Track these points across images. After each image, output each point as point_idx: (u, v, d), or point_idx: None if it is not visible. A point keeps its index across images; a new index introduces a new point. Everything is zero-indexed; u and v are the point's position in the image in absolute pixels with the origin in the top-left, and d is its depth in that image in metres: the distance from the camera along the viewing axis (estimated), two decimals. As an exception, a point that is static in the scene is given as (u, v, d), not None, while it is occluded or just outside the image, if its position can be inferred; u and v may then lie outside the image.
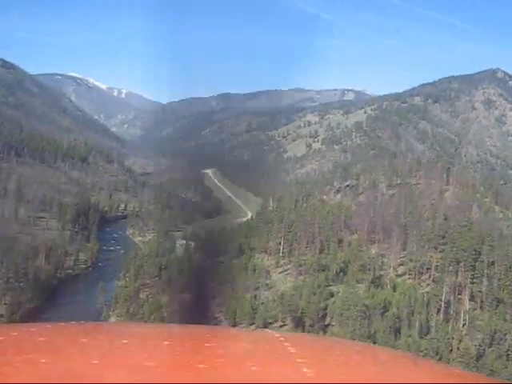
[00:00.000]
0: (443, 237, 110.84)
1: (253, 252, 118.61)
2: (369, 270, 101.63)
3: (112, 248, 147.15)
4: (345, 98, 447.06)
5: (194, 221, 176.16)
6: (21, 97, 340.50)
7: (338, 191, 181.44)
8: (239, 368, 2.41)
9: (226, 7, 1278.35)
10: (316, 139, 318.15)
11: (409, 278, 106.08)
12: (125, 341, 2.83)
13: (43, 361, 2.26)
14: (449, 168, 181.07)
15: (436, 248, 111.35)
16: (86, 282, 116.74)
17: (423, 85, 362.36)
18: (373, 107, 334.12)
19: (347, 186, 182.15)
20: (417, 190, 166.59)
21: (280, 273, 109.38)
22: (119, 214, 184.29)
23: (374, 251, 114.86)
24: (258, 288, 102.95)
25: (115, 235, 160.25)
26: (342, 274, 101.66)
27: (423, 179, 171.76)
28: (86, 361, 2.33)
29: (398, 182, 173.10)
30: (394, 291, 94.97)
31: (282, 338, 2.95)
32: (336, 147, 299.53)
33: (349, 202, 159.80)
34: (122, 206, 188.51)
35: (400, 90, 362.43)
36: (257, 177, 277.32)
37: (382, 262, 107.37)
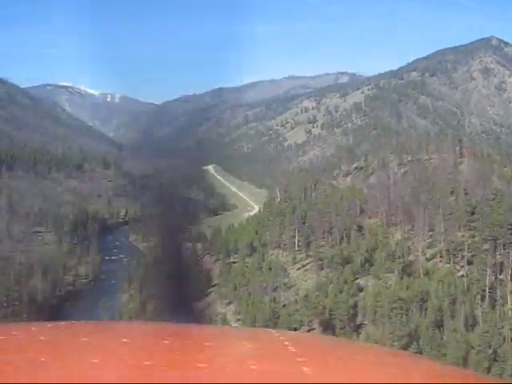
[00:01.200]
0: (472, 213, 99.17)
1: (266, 248, 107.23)
2: (397, 257, 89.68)
3: (115, 257, 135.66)
4: (339, 82, 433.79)
5: (199, 220, 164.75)
6: (12, 110, 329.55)
7: (346, 175, 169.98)
8: (239, 367, 2.38)
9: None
10: (315, 125, 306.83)
11: (440, 261, 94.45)
12: (125, 340, 2.80)
13: (43, 360, 2.25)
14: (460, 140, 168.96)
15: (465, 226, 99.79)
16: (87, 298, 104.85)
17: (418, 60, 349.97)
18: (369, 87, 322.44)
19: (355, 168, 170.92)
20: (430, 165, 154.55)
21: (298, 269, 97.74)
22: (120, 220, 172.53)
23: (397, 235, 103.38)
24: (276, 289, 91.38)
25: (117, 243, 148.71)
26: (367, 264, 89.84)
27: (434, 154, 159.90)
28: (86, 360, 2.30)
29: (409, 159, 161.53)
30: (430, 279, 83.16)
31: (282, 337, 2.94)
32: (337, 131, 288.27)
33: (360, 185, 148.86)
34: (123, 211, 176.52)
35: (394, 68, 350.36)
36: (258, 168, 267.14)
37: (409, 247, 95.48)
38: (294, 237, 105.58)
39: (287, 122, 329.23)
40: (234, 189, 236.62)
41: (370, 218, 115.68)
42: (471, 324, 73.73)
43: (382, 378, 2.50)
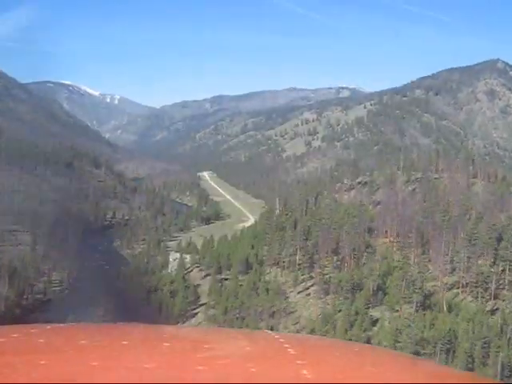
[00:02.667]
0: (499, 239, 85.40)
1: (263, 266, 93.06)
2: (413, 285, 75.47)
3: (95, 264, 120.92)
4: (340, 96, 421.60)
5: (190, 228, 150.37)
6: (7, 103, 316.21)
7: (349, 189, 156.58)
8: (238, 369, 2.36)
9: (216, 10, 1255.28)
10: (315, 137, 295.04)
11: (462, 293, 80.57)
12: (124, 342, 2.79)
13: (43, 362, 2.22)
14: (472, 160, 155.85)
15: (488, 253, 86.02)
16: (56, 310, 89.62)
17: (422, 78, 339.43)
18: (372, 102, 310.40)
19: (359, 182, 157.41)
20: (440, 184, 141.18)
21: (300, 293, 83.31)
22: (107, 222, 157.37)
23: (410, 258, 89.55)
24: (273, 314, 77.09)
25: (100, 248, 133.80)
26: (380, 292, 75.59)
27: (445, 172, 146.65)
28: (86, 362, 2.27)
29: (418, 176, 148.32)
30: (455, 315, 69.02)
31: (281, 339, 2.90)
32: (337, 144, 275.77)
33: (365, 201, 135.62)
34: (110, 213, 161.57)
35: (394, 86, 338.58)
36: (255, 178, 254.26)
37: (426, 274, 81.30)
38: (295, 254, 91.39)
39: (286, 133, 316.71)
40: (228, 197, 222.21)
41: (378, 237, 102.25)
42: (509, 374, 59.61)
43: (381, 379, 2.46)
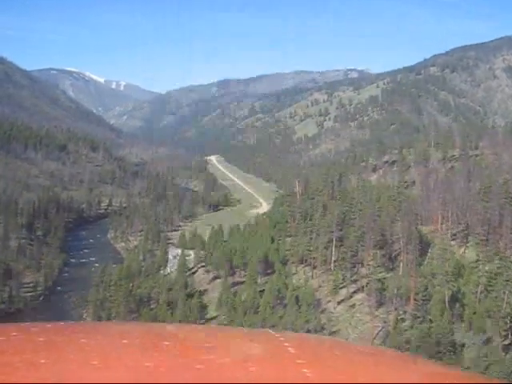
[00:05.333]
0: None
1: (287, 265, 69.83)
2: (495, 296, 51.88)
3: (84, 260, 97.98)
4: (349, 77, 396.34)
5: (196, 216, 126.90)
6: (7, 89, 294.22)
7: (375, 169, 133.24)
8: (238, 368, 2.32)
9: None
10: (327, 117, 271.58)
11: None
12: (124, 341, 2.74)
13: (43, 361, 2.19)
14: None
15: None
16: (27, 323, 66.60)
17: (435, 55, 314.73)
18: (386, 81, 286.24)
19: (386, 162, 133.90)
20: (482, 161, 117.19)
21: (341, 303, 59.40)
22: (102, 211, 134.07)
23: (469, 254, 66.52)
24: (308, 332, 53.83)
25: (91, 241, 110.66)
26: (458, 305, 52.04)
27: (487, 149, 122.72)
28: (86, 361, 2.24)
29: (455, 153, 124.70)
30: None
31: (281, 338, 2.86)
32: (351, 124, 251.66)
33: (396, 181, 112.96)
34: (106, 200, 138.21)
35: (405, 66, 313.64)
36: (265, 160, 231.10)
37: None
38: (329, 248, 68.12)
39: (296, 114, 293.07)
40: (238, 181, 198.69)
41: (423, 225, 78.84)
42: None
43: (381, 378, 2.42)
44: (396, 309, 53.64)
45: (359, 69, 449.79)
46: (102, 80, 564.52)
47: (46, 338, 2.59)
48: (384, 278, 58.59)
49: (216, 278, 71.19)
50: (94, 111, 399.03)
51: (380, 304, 55.59)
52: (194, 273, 74.96)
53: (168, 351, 2.51)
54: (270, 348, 2.78)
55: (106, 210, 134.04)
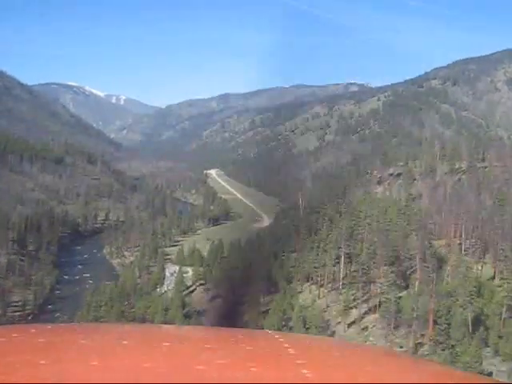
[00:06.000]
0: None
1: (291, 282, 64.71)
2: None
3: (78, 277, 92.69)
4: (349, 91, 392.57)
5: (195, 230, 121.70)
6: (7, 102, 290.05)
7: (379, 182, 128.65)
8: (238, 369, 2.31)
9: (220, 8, 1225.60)
10: (328, 131, 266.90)
11: None
12: (124, 342, 2.73)
13: (43, 362, 2.18)
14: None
15: None
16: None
17: (436, 69, 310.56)
18: (386, 94, 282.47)
19: (391, 174, 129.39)
20: (490, 174, 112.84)
21: (352, 325, 54.09)
22: (98, 225, 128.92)
23: (485, 271, 61.47)
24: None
25: (86, 256, 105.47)
26: (481, 328, 46.82)
27: (495, 161, 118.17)
28: (86, 362, 2.24)
29: (461, 165, 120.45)
30: None
31: (281, 339, 2.85)
32: (353, 137, 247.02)
33: (402, 194, 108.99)
34: (103, 215, 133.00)
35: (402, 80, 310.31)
36: (266, 174, 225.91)
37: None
38: (338, 264, 63.04)
39: (297, 128, 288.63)
40: (238, 195, 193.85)
41: (434, 239, 73.71)
42: None
43: (381, 379, 2.42)
44: (414, 332, 48.37)
45: (359, 83, 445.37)
46: (102, 94, 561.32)
47: (46, 339, 2.60)
48: (399, 297, 53.36)
49: (216, 297, 65.92)
50: (94, 125, 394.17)
51: (395, 326, 50.45)
52: (192, 291, 69.80)
53: (168, 352, 2.49)
54: (270, 348, 2.77)
55: (102, 224, 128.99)
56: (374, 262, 58.03)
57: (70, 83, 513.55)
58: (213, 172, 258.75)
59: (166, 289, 70.97)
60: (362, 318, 54.68)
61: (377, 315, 53.18)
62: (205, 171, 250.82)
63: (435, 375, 2.70)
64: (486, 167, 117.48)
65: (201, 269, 72.81)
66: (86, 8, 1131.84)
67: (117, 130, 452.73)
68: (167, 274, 74.61)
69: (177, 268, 72.46)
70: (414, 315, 48.28)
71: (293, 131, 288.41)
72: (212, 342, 2.81)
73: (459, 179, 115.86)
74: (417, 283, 56.74)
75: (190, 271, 72.37)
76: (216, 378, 2.11)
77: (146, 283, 74.86)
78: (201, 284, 70.66)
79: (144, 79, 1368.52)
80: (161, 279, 74.41)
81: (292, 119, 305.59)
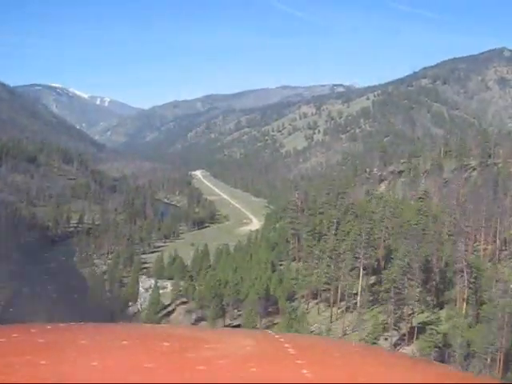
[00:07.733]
0: None
1: (294, 300, 50.80)
2: None
3: (39, 290, 77.73)
4: (335, 92, 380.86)
5: (178, 234, 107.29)
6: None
7: (380, 180, 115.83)
8: (239, 369, 2.30)
9: (206, 10, 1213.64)
10: (316, 130, 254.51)
11: None
12: (124, 342, 2.68)
13: (43, 362, 2.17)
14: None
15: None
16: None
17: (425, 68, 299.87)
18: (376, 93, 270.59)
19: (392, 172, 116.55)
20: (504, 171, 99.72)
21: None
22: (70, 229, 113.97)
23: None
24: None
25: (53, 265, 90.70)
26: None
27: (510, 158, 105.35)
28: (86, 362, 2.23)
29: (470, 162, 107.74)
30: None
31: (281, 339, 2.81)
32: (342, 136, 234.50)
33: (407, 193, 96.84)
34: (76, 217, 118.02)
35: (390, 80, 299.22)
36: (253, 175, 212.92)
37: None
38: (351, 279, 49.14)
39: (284, 128, 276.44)
40: (225, 196, 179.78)
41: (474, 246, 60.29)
42: None
43: (381, 379, 2.40)
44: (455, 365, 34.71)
45: (346, 84, 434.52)
46: (86, 96, 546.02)
47: (46, 339, 2.56)
48: (438, 319, 39.58)
49: (200, 319, 51.58)
50: (78, 127, 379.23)
51: (438, 359, 36.61)
52: (171, 312, 55.34)
53: (168, 352, 2.47)
54: (270, 349, 2.74)
55: (75, 227, 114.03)
56: (408, 279, 43.82)
57: (53, 85, 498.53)
58: (198, 173, 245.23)
59: (139, 307, 56.90)
60: (395, 349, 40.89)
61: (413, 347, 39.39)
62: (190, 172, 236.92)
63: (435, 375, 2.66)
64: (497, 164, 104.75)
65: (182, 283, 58.59)
66: (71, 10, 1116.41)
67: (101, 132, 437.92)
68: (141, 289, 60.43)
69: (153, 282, 58.31)
70: (470, 351, 34.57)
71: (280, 131, 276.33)
72: (212, 342, 2.75)
73: (469, 176, 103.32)
74: (458, 302, 42.98)
75: (168, 286, 58.35)
76: (217, 378, 2.09)
77: (117, 300, 60.64)
78: (182, 302, 56.33)
79: (129, 81, 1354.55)
80: (134, 295, 60.31)
81: (279, 119, 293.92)
